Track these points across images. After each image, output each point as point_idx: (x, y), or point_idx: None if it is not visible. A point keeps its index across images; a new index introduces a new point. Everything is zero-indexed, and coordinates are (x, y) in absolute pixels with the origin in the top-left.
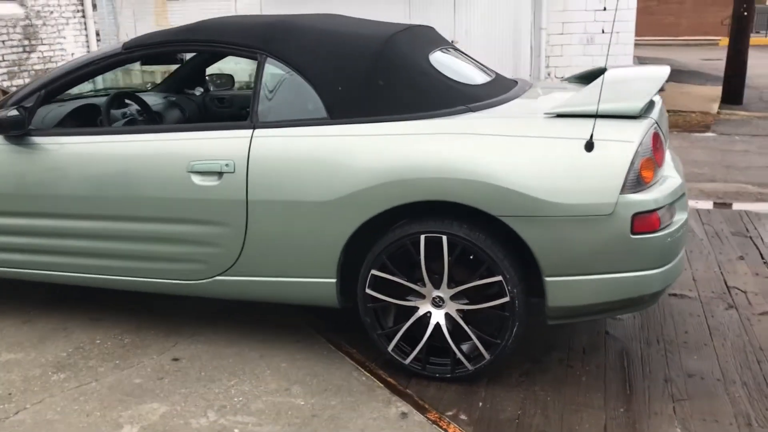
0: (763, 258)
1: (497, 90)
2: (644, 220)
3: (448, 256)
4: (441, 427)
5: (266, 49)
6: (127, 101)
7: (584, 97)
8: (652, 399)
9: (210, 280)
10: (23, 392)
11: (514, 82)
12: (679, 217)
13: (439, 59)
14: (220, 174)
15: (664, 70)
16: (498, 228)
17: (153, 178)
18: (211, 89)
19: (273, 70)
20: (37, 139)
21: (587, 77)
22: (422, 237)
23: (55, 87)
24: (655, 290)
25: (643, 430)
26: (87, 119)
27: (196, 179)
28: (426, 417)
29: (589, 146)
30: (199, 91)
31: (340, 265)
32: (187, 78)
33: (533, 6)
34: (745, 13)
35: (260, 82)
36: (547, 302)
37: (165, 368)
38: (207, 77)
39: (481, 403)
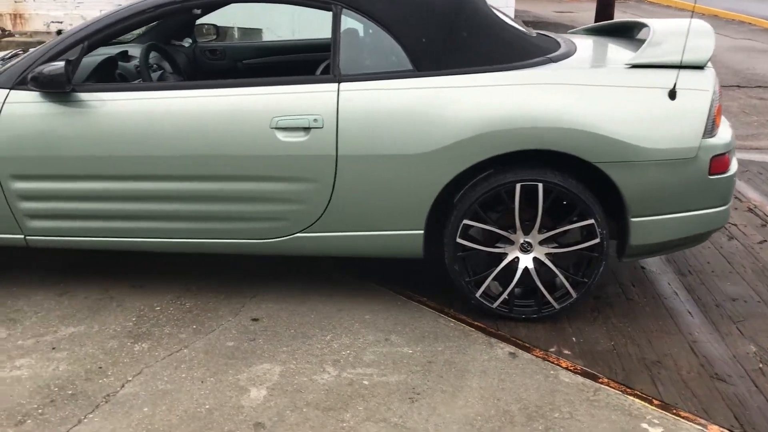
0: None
1: (555, 42)
2: (719, 162)
3: (543, 202)
4: (552, 362)
5: (342, 0)
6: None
7: (659, 49)
8: (716, 322)
9: (289, 237)
10: (114, 365)
11: (553, 37)
12: (734, 160)
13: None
14: (307, 129)
15: (706, 24)
16: (587, 174)
17: (232, 135)
18: (199, 41)
19: (350, 21)
20: (85, 96)
21: (608, 30)
22: (518, 185)
23: (100, 38)
24: (720, 225)
25: (725, 348)
26: (106, 74)
27: (281, 135)
28: (533, 355)
29: (673, 95)
30: (187, 42)
31: (429, 216)
32: (173, 28)
33: None
34: None
35: (338, 34)
36: (629, 241)
37: (250, 329)
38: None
39: (574, 338)
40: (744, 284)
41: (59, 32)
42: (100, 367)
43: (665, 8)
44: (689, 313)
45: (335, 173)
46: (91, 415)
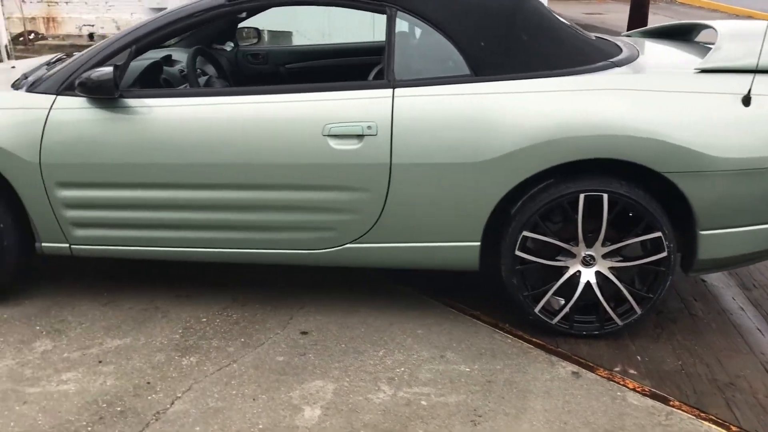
0: None
1: (616, 46)
2: None
3: (608, 214)
4: (618, 383)
5: (397, 2)
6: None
7: (731, 52)
8: None
9: (339, 248)
10: (162, 380)
11: (612, 41)
12: None
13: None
14: (360, 137)
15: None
16: (652, 184)
17: (283, 142)
18: (240, 44)
19: (405, 25)
20: (133, 102)
21: (665, 32)
22: (581, 196)
23: (148, 42)
24: None
25: None
26: (151, 78)
27: (334, 143)
28: (597, 375)
29: (747, 101)
30: (229, 46)
31: (486, 228)
32: (215, 32)
33: None
34: None
35: (393, 37)
36: (697, 255)
37: (299, 343)
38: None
39: (638, 357)
40: None
41: (91, 36)
42: (148, 383)
43: (697, 9)
44: (759, 330)
45: (389, 182)
46: None
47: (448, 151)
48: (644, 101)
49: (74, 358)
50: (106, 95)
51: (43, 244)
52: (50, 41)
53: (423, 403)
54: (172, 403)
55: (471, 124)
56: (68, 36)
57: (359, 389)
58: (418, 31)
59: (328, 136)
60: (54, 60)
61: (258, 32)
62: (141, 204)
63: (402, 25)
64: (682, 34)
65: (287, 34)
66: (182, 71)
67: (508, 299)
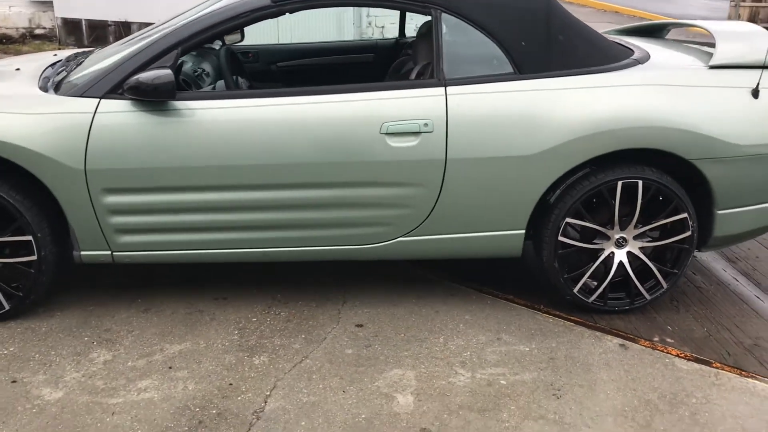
0: None
1: (628, 46)
2: None
3: (642, 198)
4: (662, 351)
5: (441, 4)
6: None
7: (738, 50)
8: None
9: (392, 242)
10: (243, 380)
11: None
12: None
13: None
14: (417, 134)
15: (757, 26)
16: (677, 170)
17: (341, 141)
18: (227, 43)
19: (449, 25)
20: (186, 104)
21: (639, 31)
22: (619, 183)
23: (193, 44)
24: None
25: None
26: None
27: (391, 141)
28: (641, 345)
29: (756, 93)
30: (218, 44)
31: (530, 216)
32: None
33: None
34: None
35: (440, 38)
36: (714, 232)
37: (360, 335)
38: None
39: (669, 327)
40: None
41: None
42: (230, 384)
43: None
44: (758, 297)
45: (443, 177)
46: None
47: (498, 145)
48: (673, 95)
49: (141, 366)
50: (166, 98)
51: (83, 253)
52: None
53: (502, 382)
54: (266, 402)
55: (519, 119)
56: None
57: (438, 374)
58: (463, 31)
59: (386, 134)
60: (71, 57)
61: (242, 31)
62: (194, 207)
63: (446, 24)
64: (653, 33)
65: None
66: (196, 71)
67: (533, 282)
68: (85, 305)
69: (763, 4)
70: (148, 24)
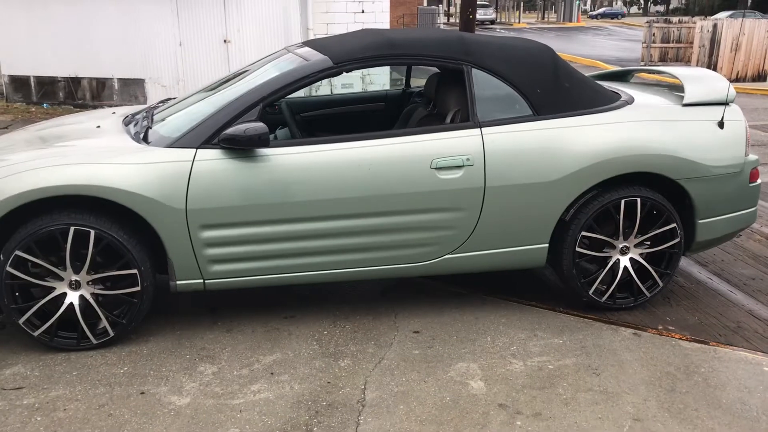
0: None
1: (615, 90)
2: (754, 173)
3: (641, 213)
4: (667, 336)
5: (470, 60)
6: None
7: (703, 90)
8: (753, 295)
9: (439, 259)
10: (338, 378)
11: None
12: None
13: None
14: (460, 167)
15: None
16: (664, 189)
17: (400, 176)
18: None
19: (478, 78)
20: (270, 150)
21: (605, 77)
22: (622, 201)
23: (271, 100)
24: (752, 222)
25: None
26: None
27: (440, 174)
28: (650, 333)
29: (721, 125)
30: None
31: (552, 231)
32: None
33: (300, 8)
34: (470, 17)
35: (472, 88)
36: (696, 238)
37: (420, 339)
38: None
39: (668, 318)
40: (751, 267)
41: None
42: (329, 382)
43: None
44: (731, 292)
45: (482, 202)
46: (361, 418)
47: (525, 174)
48: (659, 128)
49: (246, 374)
50: (262, 146)
51: (179, 282)
52: None
53: (550, 367)
54: (363, 394)
55: (541, 152)
56: None
57: (496, 364)
58: (488, 82)
59: (435, 168)
60: (151, 108)
61: None
62: (277, 237)
63: (476, 77)
64: (621, 78)
65: None
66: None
67: (565, 286)
68: (172, 329)
69: (670, 45)
70: (99, 79)
